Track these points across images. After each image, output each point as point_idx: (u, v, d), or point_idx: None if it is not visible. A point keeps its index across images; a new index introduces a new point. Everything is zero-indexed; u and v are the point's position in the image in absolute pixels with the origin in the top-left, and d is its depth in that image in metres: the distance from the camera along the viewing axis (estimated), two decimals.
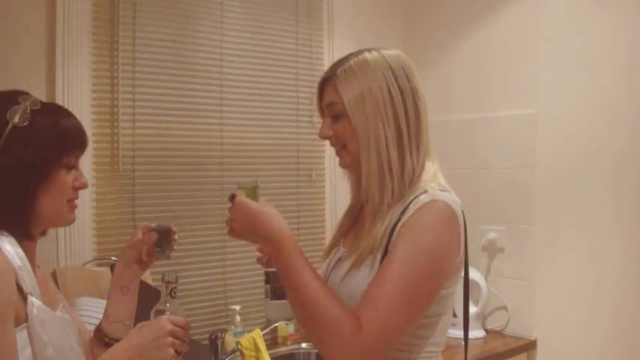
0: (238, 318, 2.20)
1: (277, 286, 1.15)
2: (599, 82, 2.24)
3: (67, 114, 1.17)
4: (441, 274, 1.10)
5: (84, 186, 1.17)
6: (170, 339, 1.10)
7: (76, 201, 1.18)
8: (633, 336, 2.15)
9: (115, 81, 2.07)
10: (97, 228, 2.02)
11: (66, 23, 1.94)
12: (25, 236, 1.11)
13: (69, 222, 1.19)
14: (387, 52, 1.19)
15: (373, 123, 1.14)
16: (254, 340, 1.97)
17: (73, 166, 1.16)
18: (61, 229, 1.91)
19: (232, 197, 1.11)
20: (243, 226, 1.10)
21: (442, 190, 1.14)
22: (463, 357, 1.33)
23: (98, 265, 1.97)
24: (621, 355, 2.18)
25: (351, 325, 1.01)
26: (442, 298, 1.13)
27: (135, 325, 1.22)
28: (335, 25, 2.65)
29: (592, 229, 2.26)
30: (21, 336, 1.02)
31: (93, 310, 1.73)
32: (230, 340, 2.09)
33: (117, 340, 1.20)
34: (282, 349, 2.31)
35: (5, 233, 1.06)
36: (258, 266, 2.34)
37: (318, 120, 2.55)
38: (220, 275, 2.31)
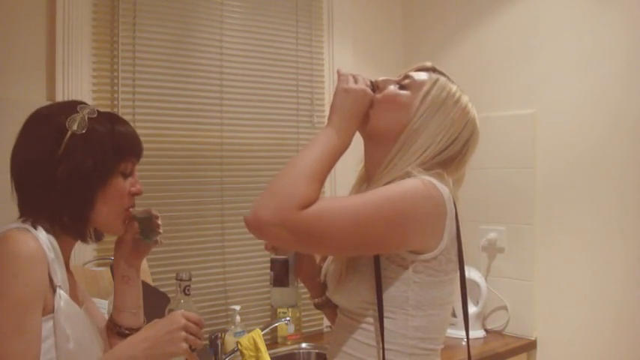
0: (238, 318, 2.20)
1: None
2: (599, 81, 2.24)
3: (122, 122, 1.21)
4: (397, 232, 1.08)
5: (139, 192, 1.22)
6: (183, 333, 1.13)
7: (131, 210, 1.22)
8: (634, 336, 2.15)
9: (115, 81, 2.07)
10: None
11: (66, 23, 1.94)
12: (81, 238, 1.17)
13: (121, 231, 1.24)
14: (474, 111, 1.26)
15: (430, 132, 1.17)
16: (254, 340, 1.97)
17: (130, 174, 1.20)
18: None
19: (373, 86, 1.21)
20: (346, 82, 1.17)
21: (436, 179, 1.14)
22: (463, 357, 1.32)
23: (98, 265, 1.97)
24: (622, 355, 2.18)
25: (302, 200, 1.02)
26: (420, 285, 1.12)
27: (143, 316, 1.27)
28: (335, 25, 2.65)
29: (592, 229, 2.26)
30: (46, 326, 1.06)
31: None
32: (230, 340, 2.09)
33: (126, 328, 1.26)
34: (282, 349, 2.32)
35: (47, 227, 1.10)
36: (259, 266, 2.38)
37: (318, 120, 2.57)
38: (220, 275, 2.31)
